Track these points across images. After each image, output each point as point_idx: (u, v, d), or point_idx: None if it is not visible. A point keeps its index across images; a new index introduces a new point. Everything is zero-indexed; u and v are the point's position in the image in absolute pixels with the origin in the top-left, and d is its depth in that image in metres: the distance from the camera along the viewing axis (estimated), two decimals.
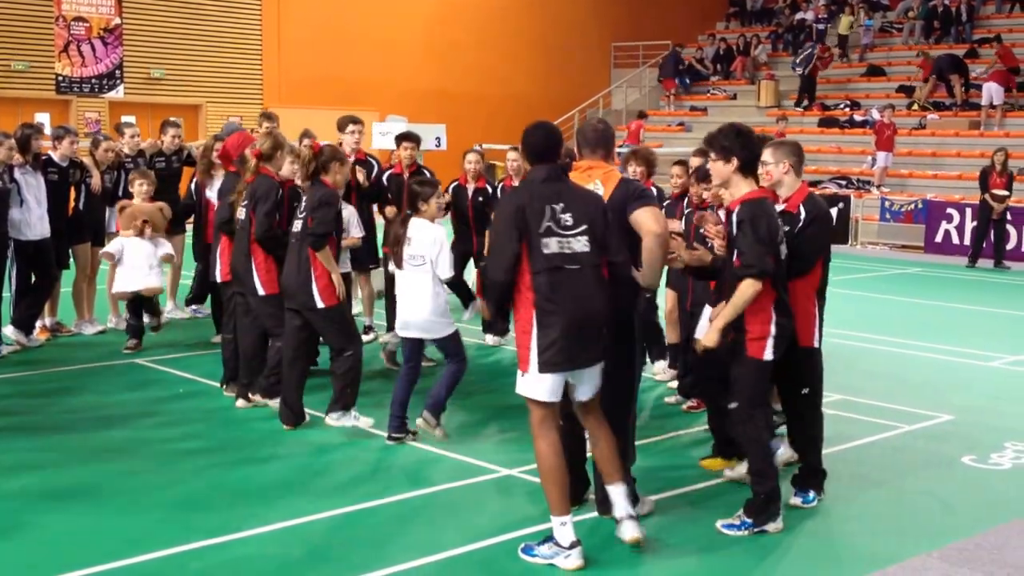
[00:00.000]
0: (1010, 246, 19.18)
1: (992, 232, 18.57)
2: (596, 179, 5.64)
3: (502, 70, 28.90)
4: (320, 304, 7.28)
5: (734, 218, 5.68)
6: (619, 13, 31.78)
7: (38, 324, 10.32)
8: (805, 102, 27.36)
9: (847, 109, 26.61)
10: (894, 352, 10.93)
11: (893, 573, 5.27)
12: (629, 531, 5.33)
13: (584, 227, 5.19)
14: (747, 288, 5.53)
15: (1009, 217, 18.99)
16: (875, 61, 28.67)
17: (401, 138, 10.19)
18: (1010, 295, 15.53)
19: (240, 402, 8.07)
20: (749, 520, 5.74)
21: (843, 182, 23.45)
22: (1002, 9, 29.19)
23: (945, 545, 5.64)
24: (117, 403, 8.26)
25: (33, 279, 9.97)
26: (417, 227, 7.04)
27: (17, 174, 9.71)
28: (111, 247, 10.09)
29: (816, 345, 6.13)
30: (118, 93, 23.19)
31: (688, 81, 30.24)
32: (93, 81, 22.87)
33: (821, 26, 29.47)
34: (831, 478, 6.73)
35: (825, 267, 6.29)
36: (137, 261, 9.85)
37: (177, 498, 6.14)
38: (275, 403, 7.73)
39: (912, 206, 21.40)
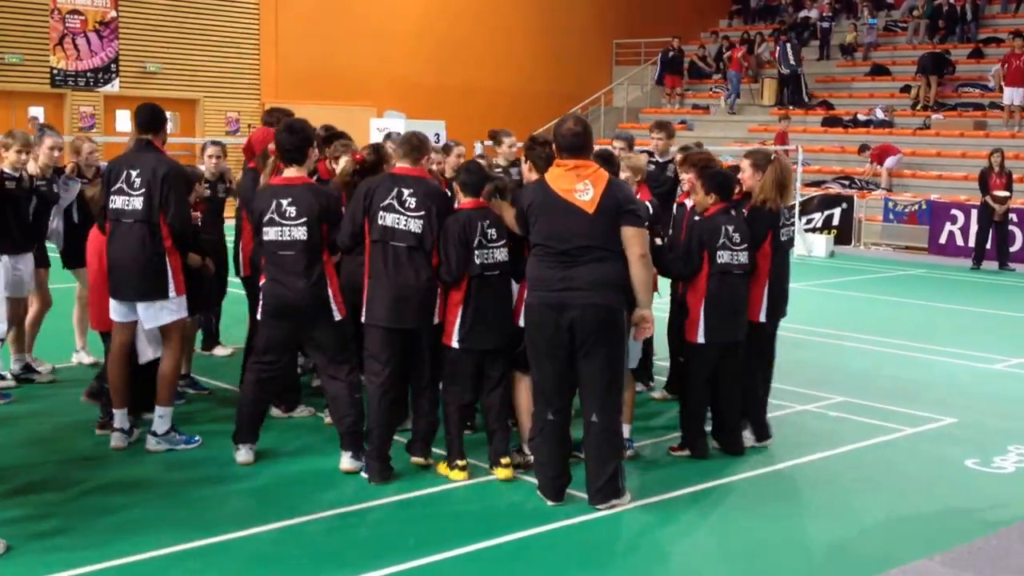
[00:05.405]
0: (1015, 248, 18.98)
1: (996, 234, 18.37)
2: (586, 179, 5.87)
3: (502, 66, 28.76)
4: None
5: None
6: (621, 9, 31.65)
7: None
8: (806, 101, 27.22)
9: (851, 108, 26.45)
10: (897, 354, 10.73)
11: None
12: (147, 444, 6.73)
13: (143, 191, 6.47)
14: None
15: (1015, 219, 18.80)
16: (879, 60, 28.49)
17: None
18: (1014, 297, 15.33)
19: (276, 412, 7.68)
20: None
21: (846, 182, 23.27)
22: (1008, 8, 29.00)
23: (948, 549, 5.56)
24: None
25: None
26: None
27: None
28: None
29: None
30: (113, 87, 23.04)
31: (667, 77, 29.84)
32: (88, 75, 22.71)
33: (826, 24, 29.31)
34: (832, 481, 6.68)
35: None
36: None
37: (173, 499, 6.06)
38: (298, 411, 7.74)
39: (916, 207, 21.21)
